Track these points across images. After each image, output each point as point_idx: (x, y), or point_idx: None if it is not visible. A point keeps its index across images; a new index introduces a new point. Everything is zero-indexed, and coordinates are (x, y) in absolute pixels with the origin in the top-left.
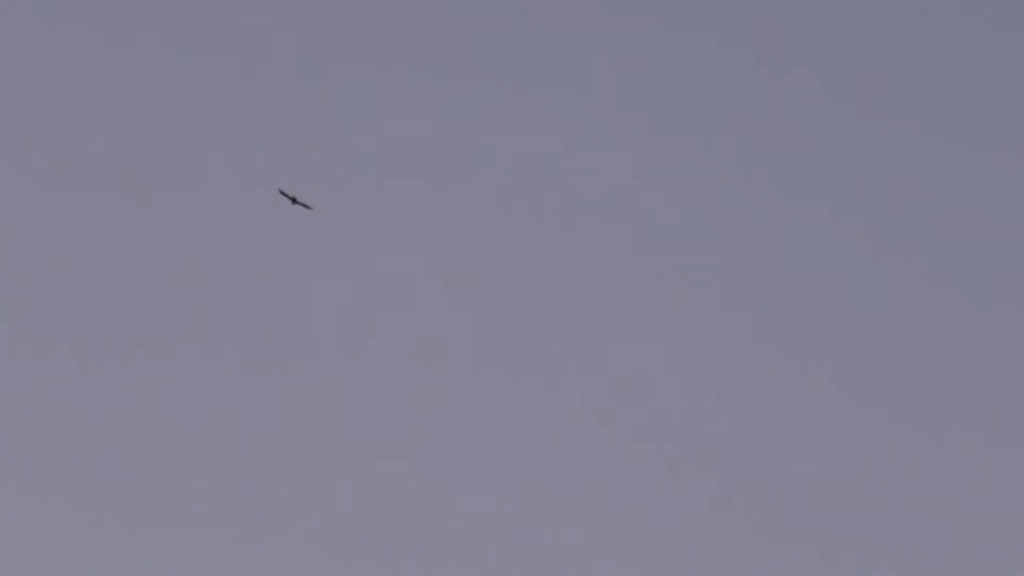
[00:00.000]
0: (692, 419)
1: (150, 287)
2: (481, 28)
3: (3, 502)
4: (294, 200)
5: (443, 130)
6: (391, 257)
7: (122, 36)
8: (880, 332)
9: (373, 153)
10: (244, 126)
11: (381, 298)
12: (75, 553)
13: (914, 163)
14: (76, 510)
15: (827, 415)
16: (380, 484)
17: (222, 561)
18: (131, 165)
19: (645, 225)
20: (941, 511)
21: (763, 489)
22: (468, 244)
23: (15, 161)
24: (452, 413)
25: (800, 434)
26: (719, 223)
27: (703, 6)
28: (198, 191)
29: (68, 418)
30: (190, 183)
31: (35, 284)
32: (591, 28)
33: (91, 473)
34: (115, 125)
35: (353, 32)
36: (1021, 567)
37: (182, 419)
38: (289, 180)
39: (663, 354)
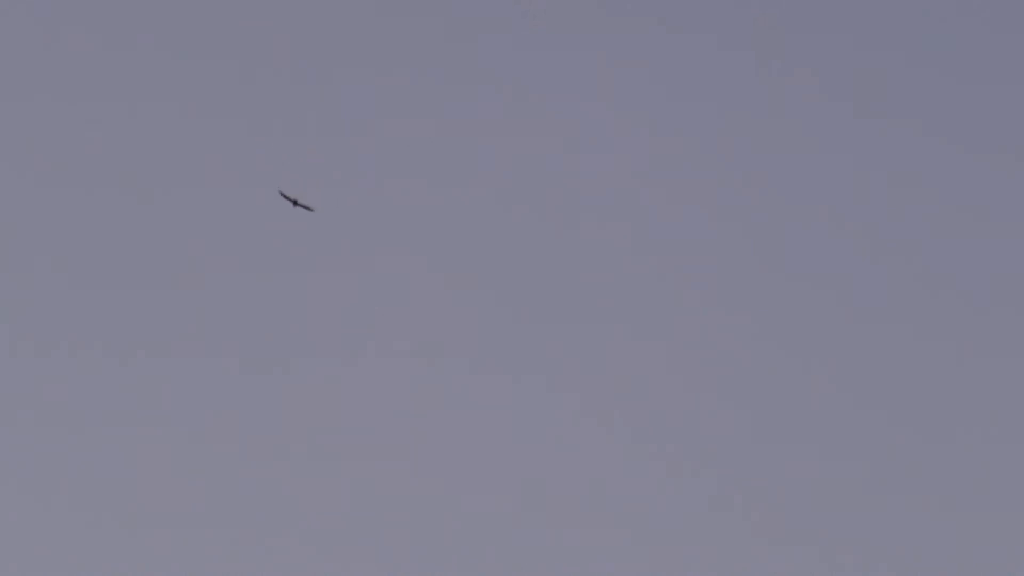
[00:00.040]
0: (692, 419)
1: (150, 287)
2: (481, 28)
3: (3, 502)
4: (295, 202)
5: (443, 130)
6: (391, 257)
7: (122, 36)
8: (880, 332)
9: (373, 153)
10: (244, 126)
11: (381, 298)
12: (75, 553)
13: (914, 163)
14: (76, 510)
15: (827, 415)
16: (380, 484)
17: (222, 561)
18: (131, 165)
19: (645, 225)
20: (941, 511)
21: (763, 489)
22: (468, 244)
23: (15, 161)
24: (452, 413)
25: (800, 434)
26: (719, 223)
27: (703, 6)
28: (198, 191)
29: (68, 418)
30: (190, 183)
31: (35, 284)
32: (591, 28)
33: (91, 473)
34: (115, 125)
35: (353, 32)
36: (1021, 567)
37: (182, 419)
38: (289, 180)
39: (663, 354)
